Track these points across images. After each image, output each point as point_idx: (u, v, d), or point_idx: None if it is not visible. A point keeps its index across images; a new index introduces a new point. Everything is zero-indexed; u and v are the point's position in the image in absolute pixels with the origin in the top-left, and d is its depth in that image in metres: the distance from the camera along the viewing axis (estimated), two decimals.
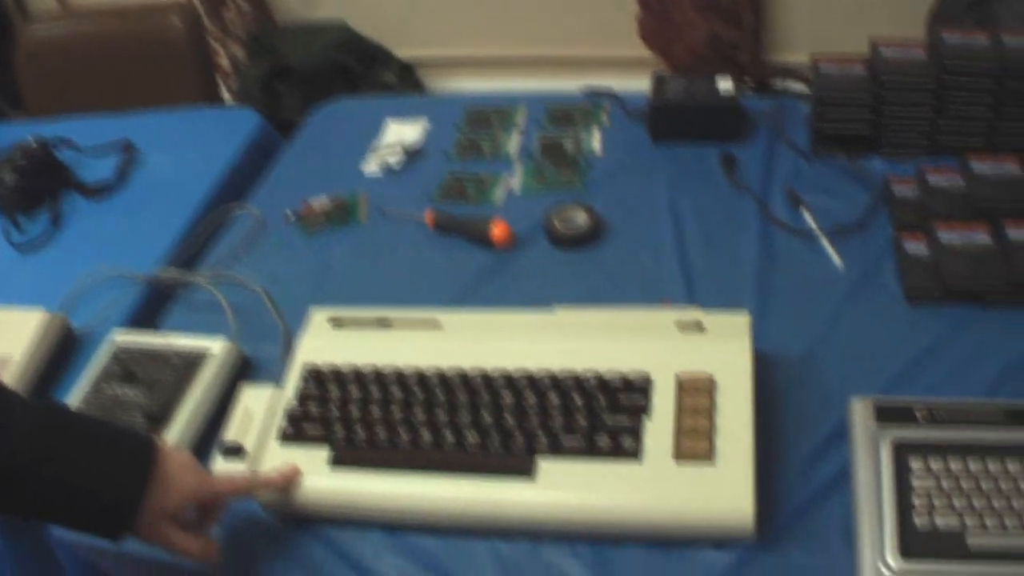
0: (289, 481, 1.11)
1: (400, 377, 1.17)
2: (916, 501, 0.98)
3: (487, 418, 1.11)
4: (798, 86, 1.64)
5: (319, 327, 1.27)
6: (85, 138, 1.90)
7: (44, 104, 2.36)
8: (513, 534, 1.07)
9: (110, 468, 0.98)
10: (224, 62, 3.15)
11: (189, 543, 1.03)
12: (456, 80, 3.18)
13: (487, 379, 1.14)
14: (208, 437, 1.23)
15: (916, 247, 1.29)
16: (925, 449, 1.02)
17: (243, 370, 1.32)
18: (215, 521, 1.09)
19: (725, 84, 1.56)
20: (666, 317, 1.18)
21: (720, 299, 1.28)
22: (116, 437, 1.02)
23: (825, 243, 1.35)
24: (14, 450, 0.94)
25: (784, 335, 1.23)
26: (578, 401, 1.10)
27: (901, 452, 1.02)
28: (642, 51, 2.89)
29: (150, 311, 1.49)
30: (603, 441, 1.06)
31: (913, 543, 0.95)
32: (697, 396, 1.08)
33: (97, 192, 1.78)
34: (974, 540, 0.95)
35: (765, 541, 1.02)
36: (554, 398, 1.11)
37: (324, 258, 1.50)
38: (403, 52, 3.19)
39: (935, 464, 1.00)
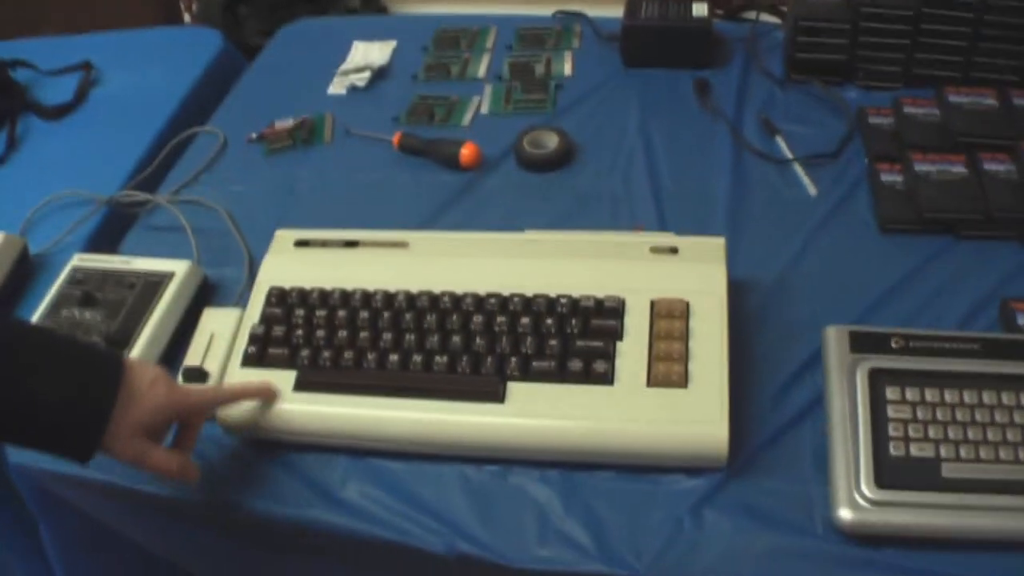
0: (264, 394, 1.08)
1: (367, 299, 1.14)
2: (892, 430, 0.97)
3: (456, 341, 1.08)
4: (769, 18, 1.61)
5: (284, 248, 1.23)
6: (43, 59, 1.84)
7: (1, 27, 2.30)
8: (482, 459, 1.05)
9: (76, 380, 0.93)
10: None
11: (167, 459, 0.98)
12: (424, 5, 3.12)
13: (456, 301, 1.12)
14: (170, 361, 1.20)
15: (891, 177, 1.28)
16: (901, 378, 1.01)
17: (206, 293, 1.29)
18: (193, 440, 1.04)
19: (699, 7, 1.53)
20: (640, 241, 1.16)
21: (692, 225, 1.26)
22: (81, 351, 0.98)
23: (799, 171, 1.33)
24: None
25: (756, 262, 1.21)
26: (550, 324, 1.08)
27: (877, 381, 1.01)
28: None
29: (110, 234, 1.44)
30: (575, 365, 1.04)
31: (888, 472, 0.95)
32: (671, 321, 1.06)
33: (55, 114, 1.73)
34: (948, 470, 0.94)
35: (737, 468, 1.01)
36: (526, 321, 1.09)
37: (288, 179, 1.47)
38: None
39: (911, 393, 0.99)
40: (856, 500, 0.93)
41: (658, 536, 0.97)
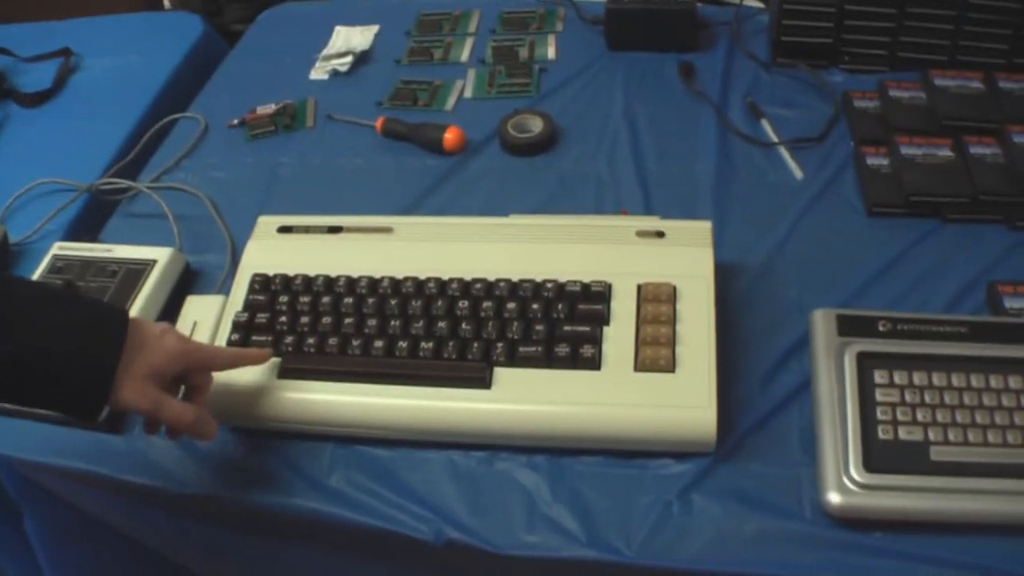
0: (261, 359, 1.06)
1: (351, 284, 1.13)
2: (880, 414, 0.97)
3: (442, 327, 1.08)
4: (751, 2, 1.60)
5: (266, 235, 1.22)
6: (21, 45, 1.82)
7: None
8: (468, 445, 1.05)
9: (77, 331, 0.90)
10: None
11: (183, 410, 0.96)
12: None
13: (442, 286, 1.11)
14: None
15: (877, 160, 1.28)
16: (889, 361, 1.00)
17: (188, 280, 1.28)
18: (204, 398, 1.01)
19: None
20: (626, 225, 1.15)
21: (678, 208, 1.26)
22: (82, 303, 0.95)
23: (785, 154, 1.32)
24: None
25: (742, 246, 1.21)
26: (537, 309, 1.07)
27: (865, 364, 1.00)
28: None
29: (91, 222, 1.43)
30: (562, 350, 1.03)
31: (877, 456, 0.94)
32: (658, 305, 1.06)
33: (34, 100, 1.71)
34: (937, 454, 0.94)
35: (725, 452, 1.01)
36: (512, 306, 1.08)
37: (270, 165, 1.45)
38: None
39: (899, 377, 0.99)
40: (845, 484, 0.93)
41: (646, 521, 0.97)
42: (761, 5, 1.60)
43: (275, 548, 1.14)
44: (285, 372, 1.08)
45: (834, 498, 0.93)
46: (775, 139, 1.35)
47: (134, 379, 0.91)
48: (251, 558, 1.17)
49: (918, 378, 0.99)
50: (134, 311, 1.18)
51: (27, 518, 1.26)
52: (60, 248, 1.29)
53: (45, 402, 0.94)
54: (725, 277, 1.15)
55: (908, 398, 0.98)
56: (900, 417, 0.97)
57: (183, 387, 1.01)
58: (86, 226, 1.42)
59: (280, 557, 1.16)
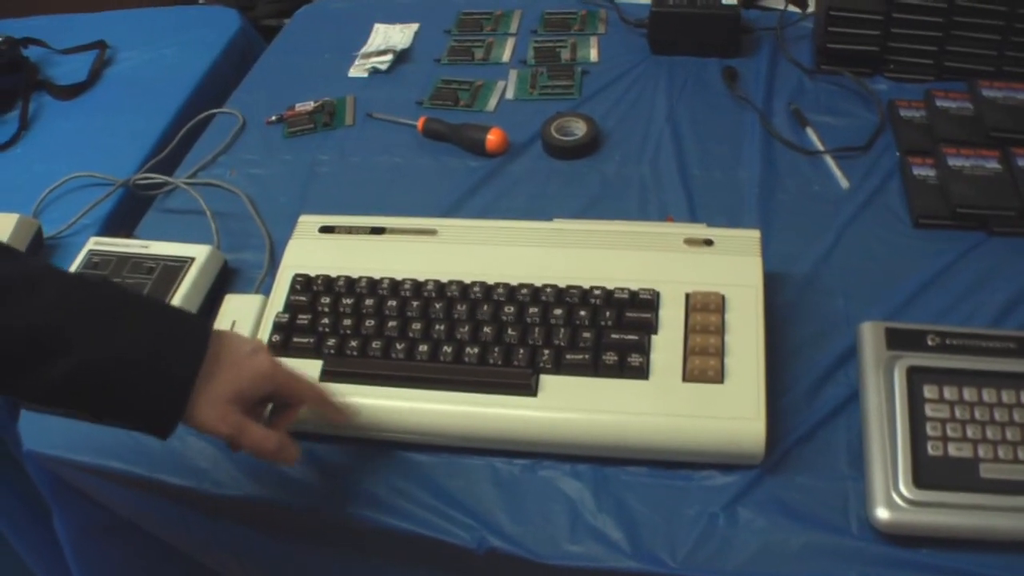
0: (346, 417, 1.01)
1: (395, 287, 1.12)
2: (930, 429, 0.95)
3: (487, 332, 1.06)
4: (778, 4, 1.59)
5: (308, 234, 1.21)
6: (56, 37, 1.82)
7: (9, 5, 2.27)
8: (511, 452, 1.04)
9: (154, 337, 0.84)
10: None
11: (265, 436, 0.90)
12: None
13: (487, 291, 1.10)
14: None
15: (923, 171, 1.27)
16: (939, 377, 0.99)
17: (225, 279, 1.27)
18: (290, 422, 0.97)
19: None
20: (674, 232, 1.14)
21: (722, 216, 1.25)
22: (162, 308, 0.91)
23: (830, 163, 1.31)
24: (38, 323, 0.81)
25: (788, 255, 1.19)
26: (584, 316, 1.06)
27: (915, 379, 0.99)
28: None
29: (125, 217, 1.42)
30: (610, 358, 1.02)
31: (926, 472, 0.93)
32: (707, 314, 1.04)
33: (69, 93, 1.71)
34: (987, 471, 0.93)
35: (771, 464, 0.99)
36: (559, 312, 1.07)
37: (308, 163, 1.45)
38: None
39: (949, 392, 0.97)
40: (894, 499, 0.92)
41: (692, 533, 0.95)
42: (798, 11, 1.58)
43: (309, 553, 1.13)
44: (327, 375, 1.06)
45: (883, 514, 0.91)
46: (820, 147, 1.33)
47: (215, 400, 0.86)
48: (285, 562, 1.16)
49: (968, 394, 0.97)
50: None
51: (56, 516, 1.25)
52: (96, 243, 1.28)
53: (115, 416, 0.88)
54: (770, 286, 1.14)
55: (958, 414, 0.96)
56: (950, 433, 0.95)
57: (270, 404, 0.98)
58: (121, 221, 1.42)
59: (314, 562, 1.15)
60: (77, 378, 0.82)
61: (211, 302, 1.22)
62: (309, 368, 1.06)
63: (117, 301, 0.86)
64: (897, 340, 1.03)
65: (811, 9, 1.58)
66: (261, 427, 0.91)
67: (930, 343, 1.03)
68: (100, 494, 1.20)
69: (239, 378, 0.88)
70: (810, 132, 1.36)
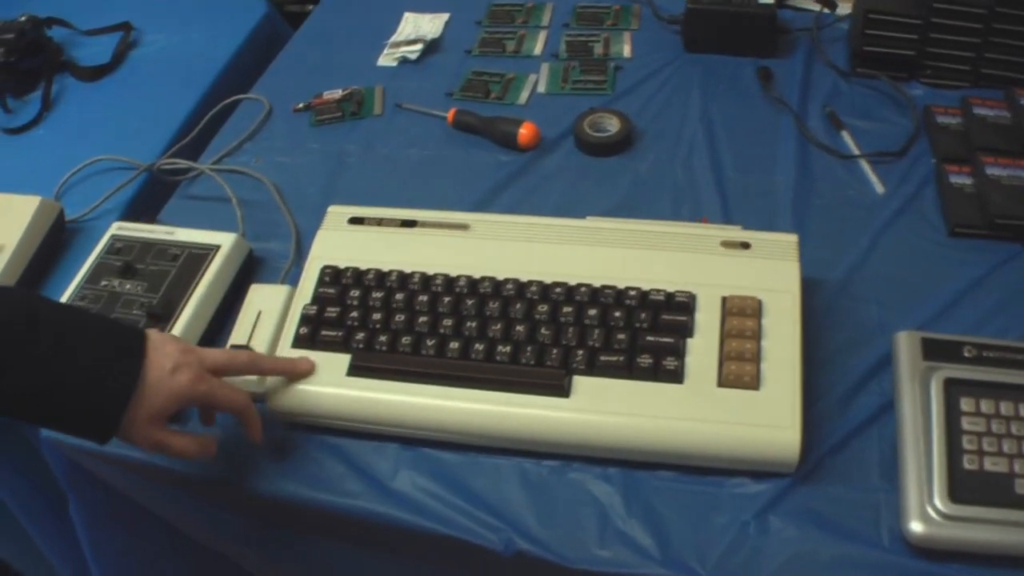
0: (299, 374, 1.05)
1: (426, 282, 1.11)
2: (966, 443, 0.94)
3: (520, 330, 1.05)
4: (813, 6, 1.57)
5: (337, 225, 1.20)
6: (80, 18, 1.81)
7: None
8: (540, 453, 1.02)
9: (95, 363, 0.90)
10: None
11: (185, 445, 0.96)
12: None
13: (521, 288, 1.09)
14: (213, 338, 1.17)
15: (960, 179, 1.25)
16: (976, 389, 0.97)
17: (250, 268, 1.26)
18: (213, 420, 1.03)
19: None
20: (710, 234, 1.12)
21: (757, 218, 1.24)
22: (104, 329, 0.94)
23: (866, 168, 1.29)
24: None
25: (822, 260, 1.17)
26: (618, 317, 1.05)
27: (952, 391, 0.98)
28: None
29: (148, 202, 1.41)
30: (644, 361, 1.01)
31: (961, 486, 0.91)
32: (743, 319, 1.03)
33: (92, 75, 1.69)
34: (1022, 487, 0.91)
35: (803, 473, 0.98)
36: (593, 313, 1.05)
37: (336, 152, 1.43)
38: None
39: (985, 406, 0.96)
40: (928, 513, 0.90)
41: (722, 540, 0.94)
42: (828, 11, 1.56)
43: (331, 548, 1.12)
44: (355, 369, 1.05)
45: (916, 527, 0.90)
46: (856, 152, 1.31)
47: (137, 421, 0.92)
48: (305, 557, 1.15)
49: (1004, 408, 0.96)
50: (196, 299, 1.16)
51: (73, 505, 1.24)
52: (119, 228, 1.27)
53: (54, 427, 0.99)
54: (804, 291, 1.12)
55: (994, 428, 0.95)
56: (986, 447, 0.94)
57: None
58: (143, 206, 1.40)
59: (336, 558, 1.14)
60: (12, 399, 0.88)
61: (235, 291, 1.21)
62: (337, 361, 1.06)
63: (57, 325, 0.90)
64: (934, 351, 1.02)
65: (840, 10, 1.56)
66: (179, 437, 0.96)
67: (967, 355, 1.01)
68: (118, 483, 1.19)
69: (157, 399, 0.92)
70: (845, 136, 1.34)
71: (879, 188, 1.26)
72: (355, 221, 1.20)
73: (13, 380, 0.87)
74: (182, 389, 0.93)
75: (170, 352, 0.95)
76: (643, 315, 1.04)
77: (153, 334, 0.96)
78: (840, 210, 1.25)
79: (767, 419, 0.97)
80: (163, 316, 1.14)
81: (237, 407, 1.00)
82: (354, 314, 1.09)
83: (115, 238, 1.25)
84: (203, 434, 1.00)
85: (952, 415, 0.96)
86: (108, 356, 0.91)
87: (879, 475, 0.97)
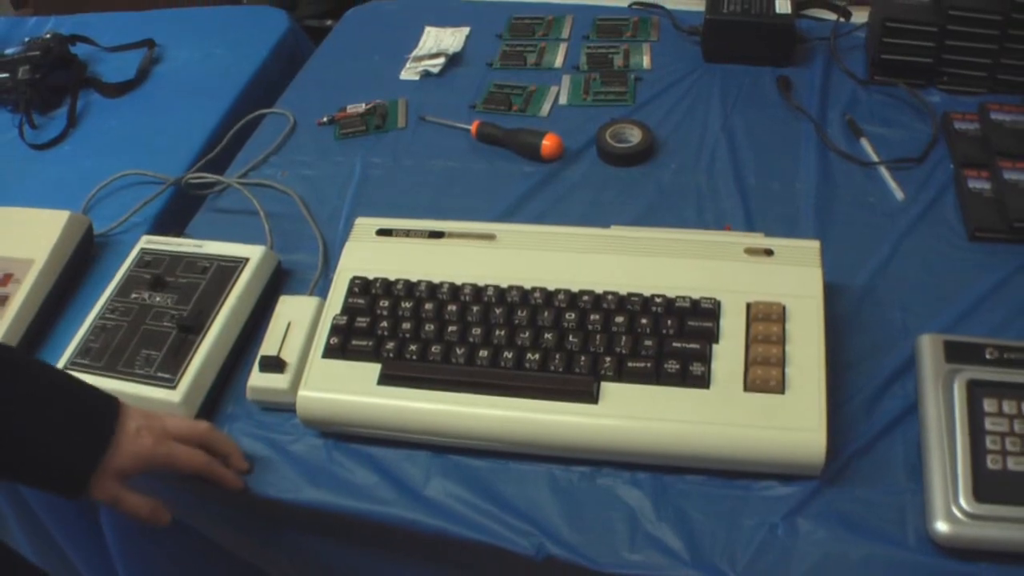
0: (236, 459, 1.08)
1: (455, 291, 1.12)
2: (989, 443, 0.95)
3: (549, 338, 1.06)
4: (825, 14, 1.59)
5: (365, 237, 1.21)
6: (103, 35, 1.83)
7: (57, 2, 2.28)
8: (569, 459, 1.04)
9: (69, 433, 0.96)
10: None
11: (138, 505, 1.01)
12: None
13: (548, 297, 1.10)
14: (242, 350, 1.19)
15: (978, 184, 1.26)
16: (999, 390, 0.98)
17: (279, 280, 1.27)
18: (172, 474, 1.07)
19: (782, 3, 1.50)
20: (734, 241, 1.14)
21: (779, 225, 1.25)
22: (77, 402, 0.99)
23: (885, 174, 1.30)
24: None
25: (844, 266, 1.19)
26: (645, 324, 1.06)
27: (975, 392, 0.99)
28: None
29: (175, 216, 1.43)
30: (671, 367, 1.02)
31: (986, 486, 0.92)
32: (768, 324, 1.04)
33: (117, 91, 1.71)
34: None
35: (830, 476, 0.99)
36: (620, 320, 1.07)
37: (361, 165, 1.45)
38: None
39: (1008, 406, 0.97)
40: (953, 513, 0.91)
41: (751, 543, 0.95)
42: (842, 20, 1.58)
43: (362, 555, 1.13)
44: (386, 378, 1.07)
45: (942, 527, 0.91)
46: (875, 158, 1.33)
47: (100, 475, 0.97)
48: (338, 565, 1.16)
49: None
50: (226, 310, 1.17)
51: (103, 513, 1.26)
52: (148, 242, 1.28)
53: (25, 482, 1.05)
54: (827, 297, 1.13)
55: (1017, 428, 0.96)
56: (1009, 447, 0.95)
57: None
58: (171, 220, 1.42)
59: (367, 565, 1.15)
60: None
61: (264, 302, 1.22)
62: (368, 371, 1.07)
63: (37, 379, 0.98)
64: (956, 353, 1.03)
65: (854, 19, 1.57)
66: (135, 497, 1.01)
67: (989, 356, 1.02)
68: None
69: (120, 459, 0.98)
70: (865, 143, 1.35)
71: (899, 194, 1.28)
72: (383, 233, 1.21)
73: None
74: (145, 451, 0.99)
75: (136, 417, 1.01)
76: (669, 322, 1.06)
77: (122, 401, 1.01)
78: (861, 216, 1.26)
79: (793, 422, 0.98)
80: (194, 328, 1.15)
81: (197, 466, 1.04)
82: (384, 324, 1.11)
83: (144, 251, 1.27)
84: (157, 500, 1.04)
85: (975, 416, 0.97)
86: (82, 415, 0.98)
87: (904, 476, 0.98)
